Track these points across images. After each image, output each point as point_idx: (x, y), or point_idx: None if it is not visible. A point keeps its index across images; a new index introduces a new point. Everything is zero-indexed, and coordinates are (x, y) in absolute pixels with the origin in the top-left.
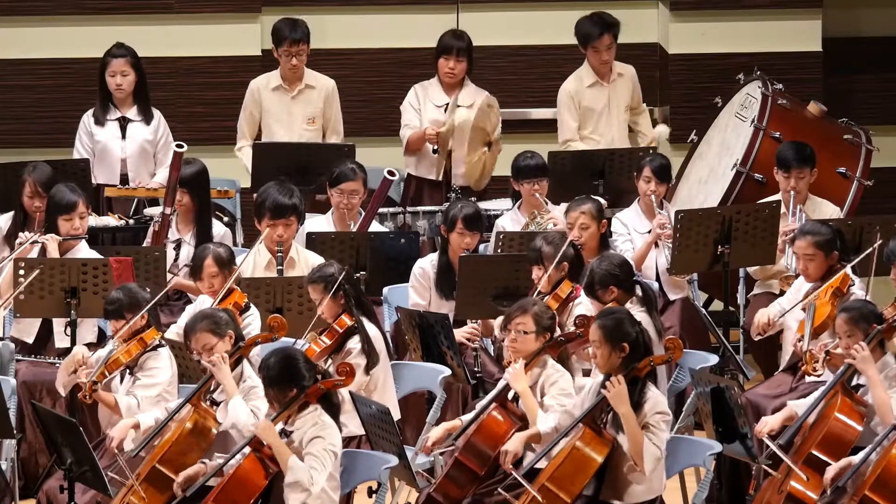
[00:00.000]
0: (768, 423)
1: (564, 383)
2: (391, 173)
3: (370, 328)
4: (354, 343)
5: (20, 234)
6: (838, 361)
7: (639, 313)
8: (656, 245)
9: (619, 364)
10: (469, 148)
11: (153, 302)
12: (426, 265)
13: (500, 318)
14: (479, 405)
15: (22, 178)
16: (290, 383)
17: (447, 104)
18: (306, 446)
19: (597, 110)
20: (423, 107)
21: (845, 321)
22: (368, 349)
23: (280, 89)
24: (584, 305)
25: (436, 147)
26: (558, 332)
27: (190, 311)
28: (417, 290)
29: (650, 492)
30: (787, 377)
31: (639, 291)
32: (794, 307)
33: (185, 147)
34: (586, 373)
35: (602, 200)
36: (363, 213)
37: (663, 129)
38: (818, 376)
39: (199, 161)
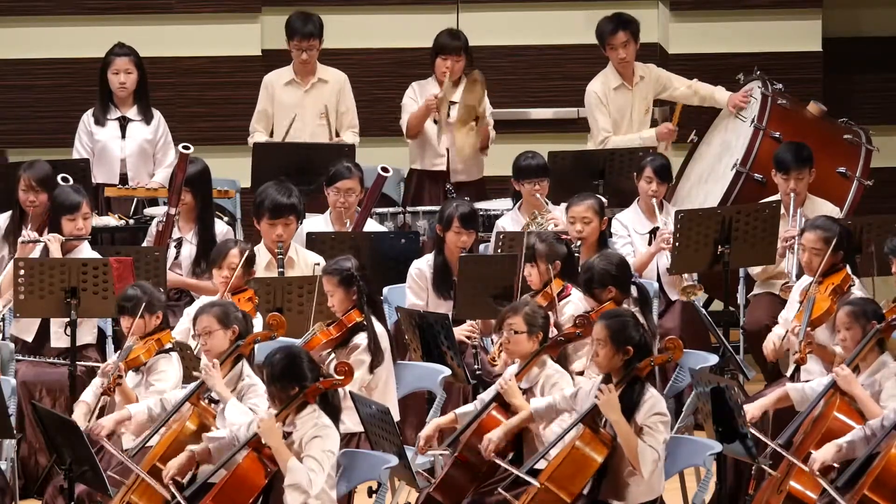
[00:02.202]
0: (749, 412)
1: (565, 384)
2: (385, 169)
3: (377, 327)
4: (361, 339)
5: (25, 232)
6: (825, 355)
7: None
8: None
9: (620, 366)
10: (458, 124)
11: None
12: (422, 266)
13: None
14: (478, 401)
15: (18, 174)
16: (293, 382)
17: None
18: (305, 447)
19: (621, 113)
20: (420, 103)
21: (847, 314)
22: (374, 347)
23: (293, 83)
24: (574, 304)
25: (437, 118)
26: (554, 331)
27: (188, 313)
28: (414, 291)
29: (650, 492)
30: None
31: (634, 292)
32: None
33: (192, 148)
34: (579, 373)
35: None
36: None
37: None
38: (801, 361)
39: (201, 160)
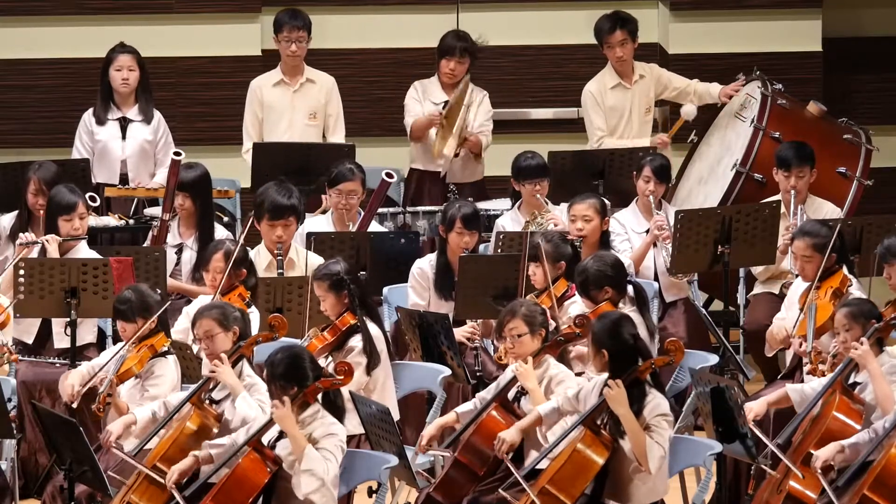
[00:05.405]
0: (753, 409)
1: (571, 382)
2: (389, 175)
3: (372, 328)
4: (356, 342)
5: (21, 234)
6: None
7: (631, 313)
8: (654, 245)
9: (605, 366)
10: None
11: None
12: (424, 265)
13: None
14: (477, 399)
15: (27, 177)
16: (293, 381)
17: (446, 101)
18: (320, 441)
19: (618, 112)
20: (423, 104)
21: (845, 315)
22: (370, 349)
23: (281, 84)
24: (579, 305)
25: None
26: (553, 324)
27: (187, 311)
28: (416, 291)
29: (653, 493)
30: (788, 383)
31: (631, 291)
32: (799, 317)
33: (183, 155)
34: (577, 374)
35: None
36: (362, 214)
37: (691, 108)
38: (822, 375)
39: (202, 165)
